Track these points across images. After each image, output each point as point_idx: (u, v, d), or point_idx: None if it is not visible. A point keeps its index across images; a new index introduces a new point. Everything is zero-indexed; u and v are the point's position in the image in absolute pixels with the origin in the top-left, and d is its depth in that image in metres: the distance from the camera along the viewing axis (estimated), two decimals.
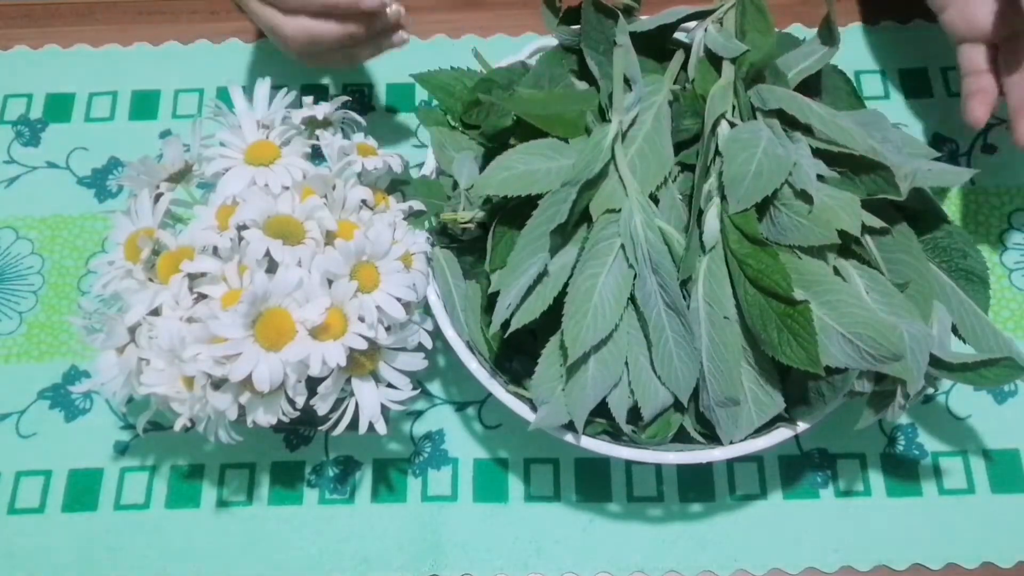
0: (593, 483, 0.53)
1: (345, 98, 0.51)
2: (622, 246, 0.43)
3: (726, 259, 0.43)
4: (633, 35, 0.47)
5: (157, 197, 0.46)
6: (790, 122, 0.45)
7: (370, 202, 0.46)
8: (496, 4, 0.68)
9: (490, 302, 0.44)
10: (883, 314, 0.41)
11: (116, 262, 0.45)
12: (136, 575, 0.51)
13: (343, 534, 0.52)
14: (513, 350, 0.47)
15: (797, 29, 0.66)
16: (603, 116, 0.47)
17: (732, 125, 0.45)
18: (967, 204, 0.61)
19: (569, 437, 0.46)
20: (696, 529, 0.52)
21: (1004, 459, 0.54)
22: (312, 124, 0.49)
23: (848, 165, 0.44)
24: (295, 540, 0.52)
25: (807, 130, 0.45)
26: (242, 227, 0.42)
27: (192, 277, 0.42)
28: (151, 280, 0.44)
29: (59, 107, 0.65)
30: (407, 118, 0.64)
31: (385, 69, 0.65)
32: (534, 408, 0.45)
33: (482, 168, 0.45)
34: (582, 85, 0.50)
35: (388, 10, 0.50)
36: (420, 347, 0.45)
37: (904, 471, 0.53)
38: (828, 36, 0.49)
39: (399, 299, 0.42)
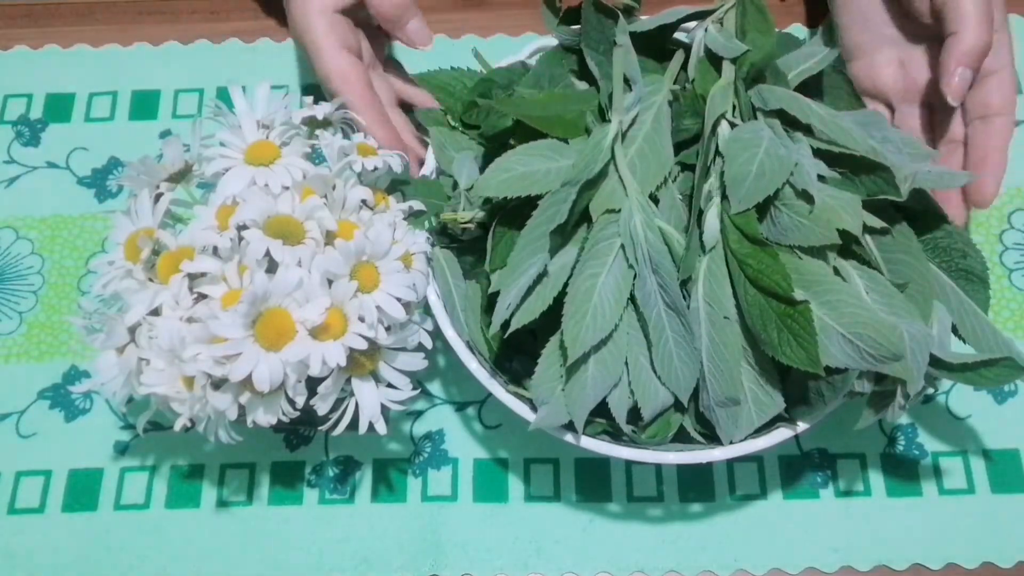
0: (593, 483, 0.53)
1: None
2: (622, 246, 0.43)
3: (726, 259, 0.43)
4: (633, 35, 0.47)
5: (157, 197, 0.46)
6: (791, 122, 0.45)
7: (370, 202, 0.46)
8: (496, 4, 0.68)
9: (490, 302, 0.44)
10: (883, 314, 0.41)
11: (116, 262, 0.45)
12: (136, 575, 0.51)
13: (343, 534, 0.52)
14: (513, 350, 0.47)
15: (797, 29, 0.66)
16: (603, 116, 0.47)
17: (732, 125, 0.45)
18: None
19: (569, 437, 0.46)
20: (696, 529, 0.52)
21: (1004, 459, 0.54)
22: (312, 124, 0.49)
23: (848, 166, 0.44)
24: (295, 540, 0.52)
25: (808, 130, 0.45)
26: (242, 227, 0.42)
27: (192, 277, 0.42)
28: (151, 280, 0.44)
29: (59, 107, 0.65)
30: None
31: None
32: (534, 408, 0.45)
33: (482, 168, 0.45)
34: (582, 85, 0.50)
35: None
36: (420, 347, 0.45)
37: (904, 471, 0.53)
38: (829, 37, 0.49)
39: (399, 299, 0.42)
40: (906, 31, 0.54)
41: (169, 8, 0.69)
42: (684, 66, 0.49)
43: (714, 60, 0.48)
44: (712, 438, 0.46)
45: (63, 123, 0.65)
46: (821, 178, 0.44)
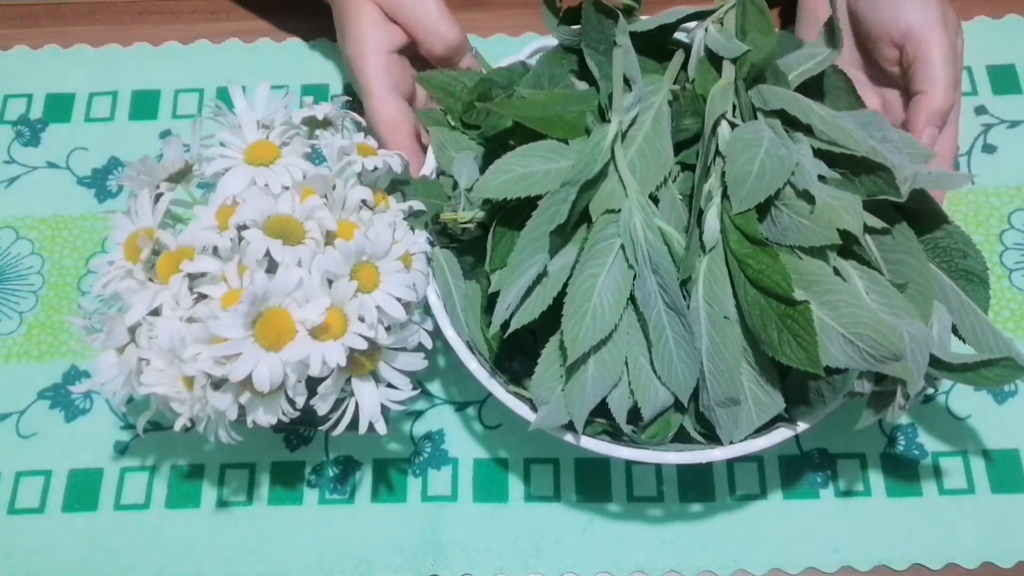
0: (593, 483, 0.53)
1: (345, 98, 0.51)
2: (622, 246, 0.43)
3: (726, 259, 0.43)
4: (633, 35, 0.47)
5: (157, 197, 0.46)
6: (791, 123, 0.45)
7: (370, 202, 0.46)
8: (496, 4, 0.68)
9: (490, 302, 0.44)
10: (883, 314, 0.41)
11: (116, 262, 0.45)
12: (136, 575, 0.51)
13: (343, 534, 0.52)
14: (513, 350, 0.47)
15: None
16: (603, 116, 0.47)
17: (733, 125, 0.45)
18: (967, 204, 0.61)
19: (569, 437, 0.46)
20: (696, 529, 0.52)
21: (1004, 459, 0.53)
22: (312, 124, 0.49)
23: (849, 166, 0.44)
24: (295, 540, 0.52)
25: (808, 131, 0.45)
26: (242, 227, 0.42)
27: (192, 277, 0.42)
28: (151, 280, 0.44)
29: (59, 107, 0.65)
30: None
31: None
32: (534, 408, 0.45)
33: (482, 168, 0.45)
34: (582, 85, 0.50)
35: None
36: (420, 347, 0.45)
37: (904, 471, 0.53)
38: (831, 38, 0.49)
39: (399, 299, 0.42)
40: (871, 76, 0.56)
41: (169, 8, 0.69)
42: (684, 66, 0.49)
43: (714, 60, 0.48)
44: (712, 438, 0.46)
45: (63, 123, 0.65)
46: (822, 178, 0.44)
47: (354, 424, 0.43)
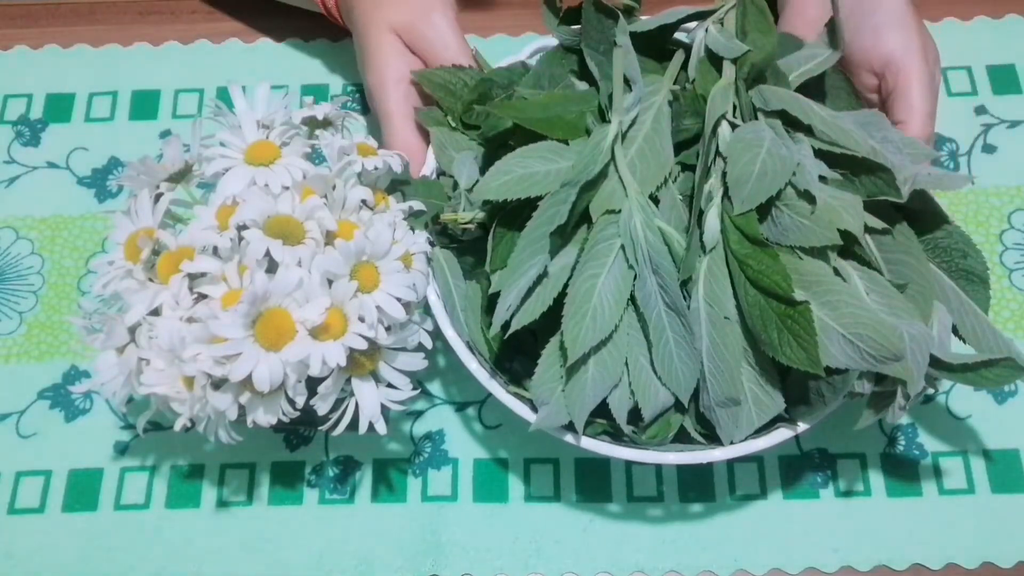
0: (593, 483, 0.53)
1: (345, 98, 0.51)
2: (622, 247, 0.43)
3: (726, 259, 0.43)
4: (633, 35, 0.47)
5: (157, 197, 0.46)
6: (792, 123, 0.45)
7: (370, 202, 0.46)
8: (496, 4, 0.68)
9: (490, 303, 0.44)
10: (883, 314, 0.41)
11: (116, 262, 0.44)
12: (136, 575, 0.51)
13: (343, 534, 0.52)
14: (513, 350, 0.47)
15: None
16: (603, 117, 0.47)
17: (733, 126, 0.45)
18: (967, 204, 0.61)
19: (569, 437, 0.46)
20: (696, 529, 0.52)
21: (1004, 459, 0.54)
22: (312, 124, 0.49)
23: (849, 166, 0.44)
24: (295, 540, 0.52)
25: (809, 131, 0.45)
26: (242, 227, 0.42)
27: (192, 277, 0.42)
28: (151, 280, 0.44)
29: (59, 107, 0.65)
30: None
31: None
32: (534, 408, 0.45)
33: (482, 169, 0.45)
34: (582, 85, 0.50)
35: None
36: (420, 347, 0.45)
37: (904, 471, 0.53)
38: (832, 39, 0.49)
39: (399, 299, 0.42)
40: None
41: (169, 8, 0.69)
42: (684, 66, 0.49)
43: (715, 60, 0.48)
44: (712, 438, 0.46)
45: (63, 123, 0.65)
46: (822, 179, 0.44)
47: (354, 424, 0.43)
